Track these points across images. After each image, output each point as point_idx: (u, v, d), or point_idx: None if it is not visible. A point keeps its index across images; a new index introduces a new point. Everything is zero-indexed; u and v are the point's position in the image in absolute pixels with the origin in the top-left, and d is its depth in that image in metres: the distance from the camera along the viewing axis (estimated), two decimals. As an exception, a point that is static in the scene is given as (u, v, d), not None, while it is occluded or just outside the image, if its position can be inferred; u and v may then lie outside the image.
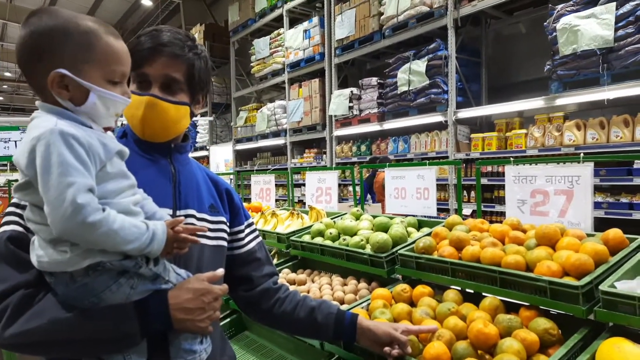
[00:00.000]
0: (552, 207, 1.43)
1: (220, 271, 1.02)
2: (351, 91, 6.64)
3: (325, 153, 7.38)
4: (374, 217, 1.84)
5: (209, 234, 1.13)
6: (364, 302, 1.47)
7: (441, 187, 5.63)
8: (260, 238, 1.35)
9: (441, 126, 5.68)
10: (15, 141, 4.71)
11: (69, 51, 0.84)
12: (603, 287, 1.00)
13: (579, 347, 1.02)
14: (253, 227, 1.34)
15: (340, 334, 1.19)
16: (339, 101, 6.77)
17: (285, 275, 1.89)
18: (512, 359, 0.96)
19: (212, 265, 1.11)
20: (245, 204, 2.95)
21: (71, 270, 0.84)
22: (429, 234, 1.50)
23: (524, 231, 1.34)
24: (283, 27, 8.02)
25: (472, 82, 5.95)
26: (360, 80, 6.66)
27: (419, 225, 1.80)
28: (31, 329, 0.83)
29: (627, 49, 3.92)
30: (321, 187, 2.42)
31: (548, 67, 4.52)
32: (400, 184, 1.96)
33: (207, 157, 11.07)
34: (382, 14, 6.13)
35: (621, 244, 1.20)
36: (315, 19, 7.25)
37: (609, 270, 1.09)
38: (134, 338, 0.88)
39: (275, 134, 8.36)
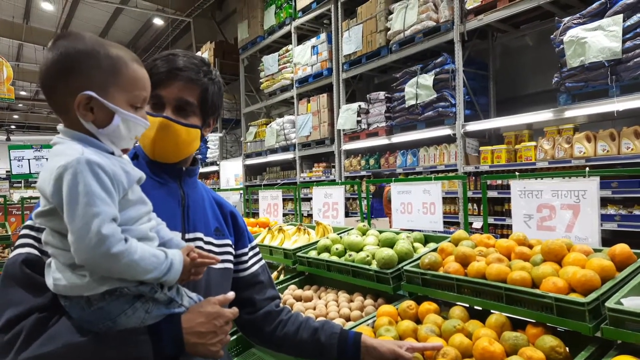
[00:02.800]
0: (558, 221, 1.42)
1: (231, 294, 1.03)
2: (359, 105, 6.68)
3: (334, 167, 7.41)
4: (380, 232, 1.84)
5: (216, 257, 1.13)
6: (370, 319, 1.46)
7: (451, 200, 5.61)
8: (263, 261, 1.36)
9: (449, 139, 5.68)
10: (29, 159, 4.79)
11: (97, 75, 0.86)
12: (609, 304, 0.99)
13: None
14: (256, 249, 1.35)
15: (344, 353, 1.18)
16: (347, 115, 6.81)
17: (292, 292, 1.89)
18: (516, 379, 0.96)
19: (219, 287, 1.13)
20: (252, 220, 2.99)
21: (88, 294, 0.84)
22: (434, 250, 1.49)
23: (530, 246, 1.33)
24: (291, 43, 8.14)
25: (480, 95, 5.96)
26: (368, 95, 6.70)
27: (425, 240, 1.79)
28: (45, 353, 0.83)
29: (635, 60, 3.91)
30: (328, 202, 2.43)
31: (556, 79, 4.52)
32: (407, 199, 1.96)
33: (217, 172, 11.17)
34: (388, 29, 6.20)
35: (628, 260, 1.18)
36: (323, 35, 7.35)
37: (616, 287, 1.08)
38: None
39: (285, 149, 8.42)
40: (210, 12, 12.88)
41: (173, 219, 1.08)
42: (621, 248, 1.20)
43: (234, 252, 1.24)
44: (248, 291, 1.27)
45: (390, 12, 6.22)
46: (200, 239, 1.13)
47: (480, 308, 1.29)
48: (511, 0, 4.88)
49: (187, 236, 1.10)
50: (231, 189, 4.34)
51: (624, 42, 3.97)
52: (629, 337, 0.96)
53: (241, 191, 6.27)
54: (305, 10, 7.69)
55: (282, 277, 2.14)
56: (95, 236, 0.78)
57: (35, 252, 0.92)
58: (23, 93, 20.33)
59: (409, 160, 6.32)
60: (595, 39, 4.13)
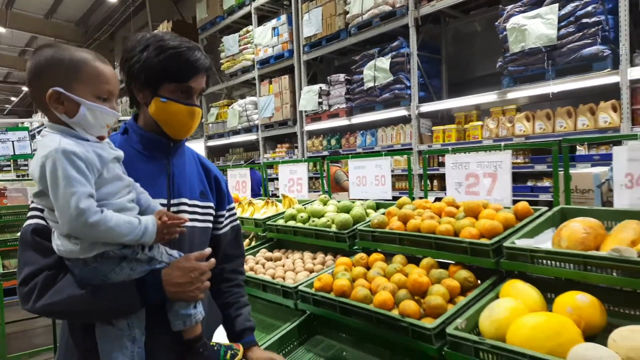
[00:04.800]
0: (481, 187, 1.74)
1: (207, 250, 1.21)
2: (320, 87, 6.88)
3: (297, 147, 7.61)
4: (339, 202, 2.13)
5: (199, 217, 1.31)
6: (330, 269, 1.76)
7: (407, 177, 5.97)
8: (238, 223, 1.53)
9: (405, 120, 5.99)
10: (13, 141, 4.92)
11: (61, 73, 1.03)
12: (506, 244, 1.31)
13: (490, 289, 1.34)
14: (234, 212, 1.52)
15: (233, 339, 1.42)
16: (308, 97, 7.00)
17: (263, 254, 2.15)
18: (437, 298, 1.27)
19: (201, 243, 1.31)
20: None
21: (83, 257, 1.04)
22: (383, 213, 1.79)
23: (457, 207, 1.65)
24: (252, 24, 8.16)
25: (434, 77, 6.27)
26: (328, 77, 6.89)
27: (377, 207, 2.10)
28: (54, 302, 1.04)
29: (569, 46, 4.29)
30: (293, 177, 2.69)
31: (500, 63, 4.88)
32: (362, 173, 2.24)
33: (179, 154, 11.11)
34: (347, 12, 6.36)
35: (527, 213, 1.52)
36: (284, 17, 7.44)
37: (515, 233, 1.40)
38: (136, 307, 1.09)
39: (247, 130, 8.53)
40: (167, -10, 12.55)
41: (159, 188, 1.23)
42: (522, 205, 1.54)
43: (214, 213, 1.39)
44: (218, 249, 1.43)
45: (349, -4, 6.40)
46: (185, 204, 1.28)
47: (418, 256, 1.61)
48: (461, -13, 5.18)
49: (173, 201, 1.25)
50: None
51: (559, 29, 4.32)
52: (519, 267, 1.29)
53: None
54: (265, -9, 7.74)
55: (253, 243, 2.39)
56: (75, 210, 0.95)
57: (42, 222, 1.10)
58: None
59: (368, 140, 6.63)
60: (534, 26, 4.48)
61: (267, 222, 2.25)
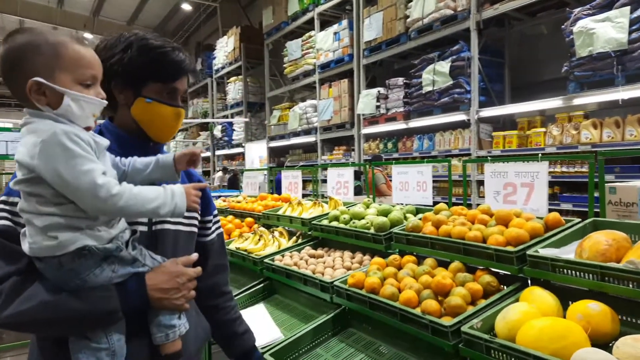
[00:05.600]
0: (519, 196, 1.77)
1: (194, 255, 1.14)
2: (378, 91, 6.96)
3: (353, 150, 7.73)
4: (380, 205, 2.23)
5: (184, 220, 1.21)
6: (364, 268, 1.88)
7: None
8: (221, 230, 1.44)
9: (464, 124, 5.91)
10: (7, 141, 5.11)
11: (40, 61, 0.93)
12: (529, 252, 1.36)
13: (512, 294, 1.39)
14: (218, 218, 1.43)
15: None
16: (366, 100, 7.10)
17: (307, 251, 2.31)
18: (457, 299, 1.34)
19: (185, 248, 1.20)
20: (276, 195, 3.39)
21: (60, 254, 0.92)
22: (420, 218, 1.87)
23: (491, 215, 1.70)
24: (314, 29, 8.41)
25: (496, 82, 6.13)
26: (387, 80, 6.95)
27: (417, 211, 2.18)
28: (23, 310, 0.92)
29: (640, 51, 4.08)
30: (340, 181, 2.83)
31: (566, 68, 4.70)
32: (405, 179, 2.33)
33: (242, 154, 11.64)
34: (408, 17, 6.39)
35: (557, 223, 1.54)
36: (345, 22, 7.60)
37: (541, 242, 1.44)
38: (115, 315, 0.97)
39: (307, 132, 8.78)
40: (237, -3, 13.18)
41: None
42: (553, 215, 1.56)
43: (199, 218, 1.30)
44: (205, 257, 1.32)
45: (410, 0, 6.41)
46: None
47: (448, 260, 1.68)
48: (526, -10, 5.04)
49: None
50: (256, 170, 4.76)
51: (630, 33, 4.10)
52: (540, 275, 1.33)
53: (266, 172, 6.71)
54: (328, -4, 7.95)
55: (300, 241, 2.56)
56: (95, 187, 0.89)
57: (9, 223, 0.99)
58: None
59: (425, 144, 6.60)
60: (603, 30, 4.28)
61: (313, 222, 2.40)
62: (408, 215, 2.10)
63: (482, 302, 1.36)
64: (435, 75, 5.98)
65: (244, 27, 11.57)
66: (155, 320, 1.04)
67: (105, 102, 1.01)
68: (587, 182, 4.82)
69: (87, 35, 15.21)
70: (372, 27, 7.00)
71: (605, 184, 1.73)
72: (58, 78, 0.94)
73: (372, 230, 1.98)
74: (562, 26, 4.69)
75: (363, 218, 2.11)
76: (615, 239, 1.23)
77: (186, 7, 13.90)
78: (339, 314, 1.78)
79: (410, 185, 2.29)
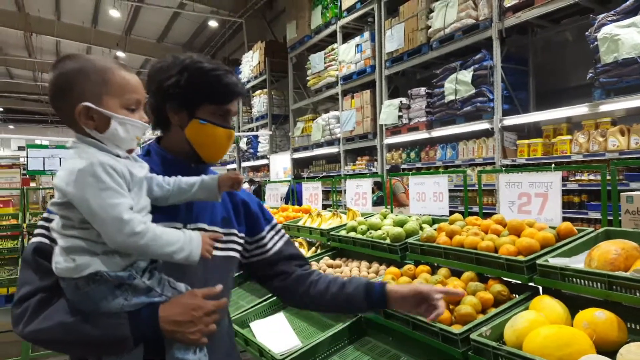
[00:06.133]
0: (533, 206, 1.78)
1: (219, 287, 1.09)
2: (400, 101, 6.99)
3: (376, 160, 7.76)
4: (397, 215, 2.27)
5: (218, 244, 1.18)
6: (380, 277, 1.91)
7: (488, 192, 5.83)
8: (286, 236, 1.41)
9: (488, 133, 5.87)
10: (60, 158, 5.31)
11: (89, 86, 0.97)
12: (539, 261, 1.38)
13: (522, 303, 1.41)
14: (277, 227, 1.40)
15: (371, 298, 1.21)
16: (389, 111, 7.14)
17: (325, 261, 2.37)
18: (467, 307, 1.37)
19: (218, 274, 1.18)
20: (297, 206, 3.46)
21: (76, 277, 0.95)
22: (435, 229, 1.90)
23: (504, 225, 1.71)
24: (337, 42, 8.53)
25: (520, 89, 6.06)
26: (409, 90, 6.97)
27: (433, 222, 2.20)
28: (43, 328, 0.97)
29: (668, 56, 4.00)
30: (359, 192, 2.88)
31: (591, 74, 4.63)
32: (421, 189, 2.36)
33: (267, 165, 11.83)
34: (429, 27, 6.42)
35: (570, 233, 1.55)
36: (367, 34, 7.69)
37: (552, 251, 1.45)
38: (127, 343, 0.97)
39: (330, 143, 8.87)
40: (261, 12, 13.48)
41: (174, 211, 1.15)
42: (565, 225, 1.56)
43: (241, 241, 1.29)
44: (276, 266, 1.33)
45: (431, 11, 6.44)
46: (204, 229, 1.19)
47: (461, 269, 1.70)
48: (548, -3, 5.01)
49: (189, 226, 1.17)
50: (279, 182, 4.86)
51: (656, 38, 4.05)
52: (550, 284, 1.34)
53: (289, 183, 6.82)
54: (350, 9, 8.05)
55: (319, 251, 2.62)
56: (120, 222, 0.91)
57: (46, 240, 1.04)
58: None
59: (448, 153, 6.57)
60: (628, 36, 4.21)
61: (331, 233, 2.46)
62: (424, 225, 2.13)
63: (493, 311, 1.38)
64: (458, 84, 5.98)
65: (269, 41, 11.82)
66: (170, 351, 1.02)
67: (148, 125, 1.06)
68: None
69: (120, 54, 15.83)
70: (394, 38, 7.06)
71: (622, 193, 1.72)
72: (105, 103, 0.98)
73: (387, 241, 2.02)
74: (587, 33, 4.64)
75: (380, 228, 2.15)
76: (625, 248, 1.23)
77: (213, 24, 14.30)
78: (355, 322, 1.82)
79: (427, 196, 2.32)
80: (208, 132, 1.18)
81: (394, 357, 1.61)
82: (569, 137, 5.05)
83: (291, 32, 10.12)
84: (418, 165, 6.98)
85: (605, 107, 4.62)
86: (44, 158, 5.31)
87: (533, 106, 6.11)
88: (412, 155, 7.17)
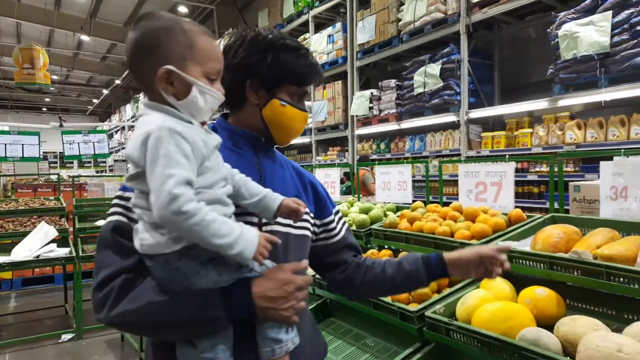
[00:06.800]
0: (489, 195, 1.90)
1: (305, 262, 1.04)
2: (371, 92, 7.08)
3: (347, 151, 7.86)
4: (363, 203, 2.36)
5: (293, 223, 1.15)
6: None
7: (454, 182, 6.01)
8: (347, 224, 1.38)
9: (454, 125, 6.03)
10: (79, 143, 5.45)
11: (175, 49, 0.90)
12: (489, 244, 1.49)
13: (474, 283, 1.52)
14: (340, 214, 1.36)
15: (431, 270, 1.19)
16: (360, 102, 7.23)
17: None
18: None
19: (297, 253, 1.13)
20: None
21: (167, 252, 0.88)
22: (398, 215, 2.00)
23: (461, 212, 1.83)
24: (309, 32, 8.53)
25: (486, 83, 6.25)
26: (380, 82, 7.07)
27: (397, 209, 2.30)
28: (130, 310, 0.91)
29: (622, 54, 4.20)
30: (327, 181, 2.95)
31: (551, 70, 4.83)
32: (387, 179, 2.46)
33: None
34: (400, 20, 6.51)
35: (519, 219, 1.67)
36: (339, 25, 7.73)
37: (502, 236, 1.57)
38: (220, 323, 0.92)
39: (302, 133, 8.88)
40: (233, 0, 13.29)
41: None
42: (516, 211, 1.69)
43: (312, 221, 1.23)
44: (339, 254, 1.29)
45: (402, 4, 6.52)
46: None
47: (420, 253, 1.80)
48: (513, -7, 5.17)
49: None
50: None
51: (612, 37, 4.22)
52: (500, 265, 1.45)
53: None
54: (322, -1, 8.08)
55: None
56: (168, 195, 0.81)
57: (124, 219, 0.98)
58: (54, 77, 21.27)
59: (416, 145, 6.73)
60: (586, 34, 4.40)
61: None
62: (388, 212, 2.23)
63: (447, 290, 1.49)
64: (426, 77, 6.11)
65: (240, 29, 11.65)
66: (262, 332, 0.97)
67: (224, 98, 0.99)
68: (570, 181, 4.98)
69: (84, 38, 15.30)
70: (365, 30, 7.13)
71: (571, 183, 1.85)
72: (189, 68, 0.91)
73: (353, 227, 2.10)
74: (548, 30, 4.82)
75: (346, 216, 2.23)
76: (566, 232, 1.35)
77: (182, 9, 13.99)
78: (321, 304, 1.90)
79: (392, 185, 2.41)
80: (288, 114, 1.14)
81: (357, 336, 1.70)
82: (530, 130, 5.27)
83: (263, 20, 10.04)
84: (388, 156, 7.10)
85: (563, 102, 4.83)
86: (5, 144, 5.16)
87: (498, 100, 6.30)
88: (382, 146, 7.30)
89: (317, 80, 1.18)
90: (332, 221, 1.29)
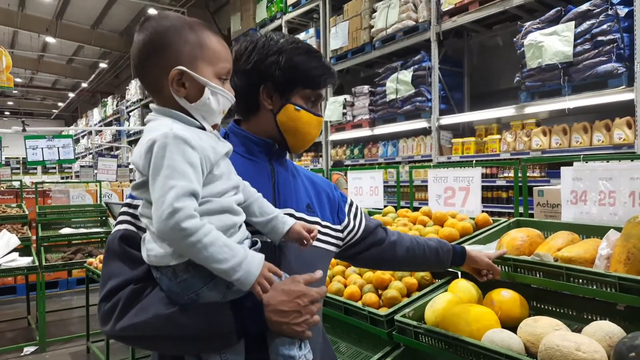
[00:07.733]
0: (457, 199, 1.94)
1: (319, 273, 0.99)
2: (345, 98, 7.13)
3: (321, 156, 7.88)
4: (335, 208, 2.37)
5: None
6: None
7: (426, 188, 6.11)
8: (361, 209, 1.36)
9: (426, 132, 6.14)
10: (42, 148, 5.26)
11: (185, 49, 0.87)
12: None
13: (443, 286, 1.55)
14: (353, 206, 1.33)
15: (455, 254, 1.32)
16: (334, 107, 7.26)
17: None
18: (392, 291, 1.50)
19: (313, 265, 1.07)
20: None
21: (174, 264, 0.84)
22: (369, 220, 2.02)
23: (431, 216, 1.86)
24: (282, 37, 8.52)
25: (456, 90, 6.39)
26: (353, 88, 7.13)
27: (369, 214, 2.32)
28: (137, 322, 0.86)
29: (584, 63, 4.36)
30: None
31: (517, 78, 4.98)
32: (359, 184, 2.48)
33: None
34: (372, 26, 6.59)
35: (486, 223, 1.72)
36: (312, 30, 7.76)
37: (470, 239, 1.61)
38: (229, 337, 0.88)
39: (275, 138, 8.86)
40: (205, 3, 13.16)
41: (264, 194, 1.04)
42: (482, 216, 1.74)
43: (334, 234, 1.22)
44: (367, 240, 1.30)
45: (374, 11, 6.60)
46: (292, 215, 1.09)
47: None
48: (481, 3, 5.31)
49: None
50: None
51: (575, 46, 4.39)
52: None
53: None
54: (296, 5, 8.07)
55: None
56: (168, 208, 0.77)
57: (132, 228, 0.95)
58: (18, 80, 20.55)
59: (389, 150, 6.81)
60: (550, 43, 4.56)
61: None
62: (360, 217, 2.25)
63: (416, 294, 1.51)
64: (399, 83, 6.20)
65: (213, 33, 11.55)
66: (273, 348, 0.92)
67: (234, 99, 0.97)
68: (535, 186, 5.12)
69: (50, 40, 14.86)
70: (339, 36, 7.18)
71: (535, 187, 1.91)
72: (200, 69, 0.89)
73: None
74: (514, 39, 4.97)
75: (318, 221, 2.24)
76: (530, 236, 1.39)
77: (153, 12, 13.77)
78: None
79: (364, 190, 2.44)
80: (303, 119, 1.10)
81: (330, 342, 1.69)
82: (499, 136, 5.41)
83: (235, 24, 9.98)
84: (361, 161, 7.16)
85: (530, 109, 4.98)
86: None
87: (468, 106, 6.45)
88: (356, 151, 7.35)
89: (331, 82, 1.15)
90: (349, 222, 1.27)
